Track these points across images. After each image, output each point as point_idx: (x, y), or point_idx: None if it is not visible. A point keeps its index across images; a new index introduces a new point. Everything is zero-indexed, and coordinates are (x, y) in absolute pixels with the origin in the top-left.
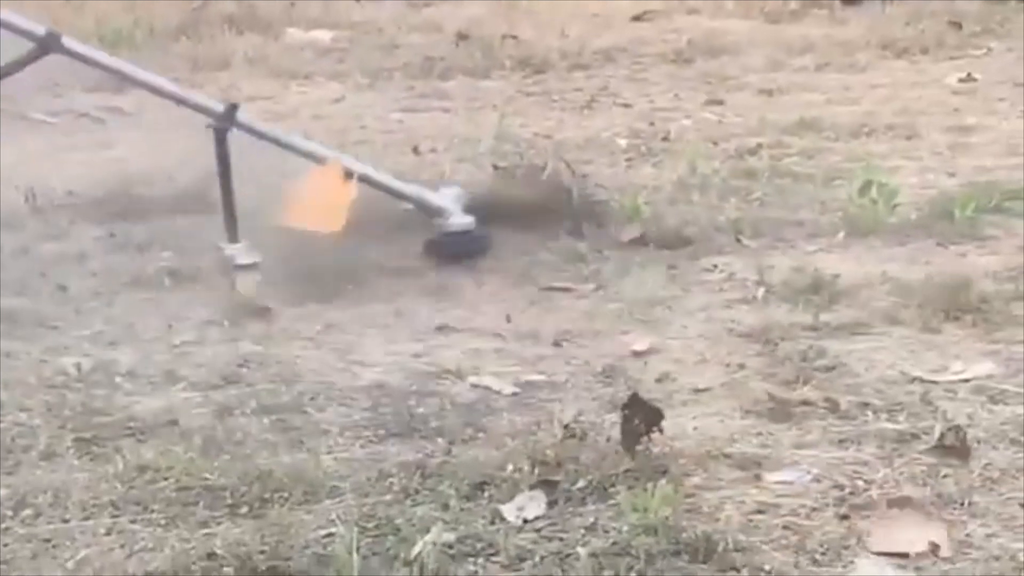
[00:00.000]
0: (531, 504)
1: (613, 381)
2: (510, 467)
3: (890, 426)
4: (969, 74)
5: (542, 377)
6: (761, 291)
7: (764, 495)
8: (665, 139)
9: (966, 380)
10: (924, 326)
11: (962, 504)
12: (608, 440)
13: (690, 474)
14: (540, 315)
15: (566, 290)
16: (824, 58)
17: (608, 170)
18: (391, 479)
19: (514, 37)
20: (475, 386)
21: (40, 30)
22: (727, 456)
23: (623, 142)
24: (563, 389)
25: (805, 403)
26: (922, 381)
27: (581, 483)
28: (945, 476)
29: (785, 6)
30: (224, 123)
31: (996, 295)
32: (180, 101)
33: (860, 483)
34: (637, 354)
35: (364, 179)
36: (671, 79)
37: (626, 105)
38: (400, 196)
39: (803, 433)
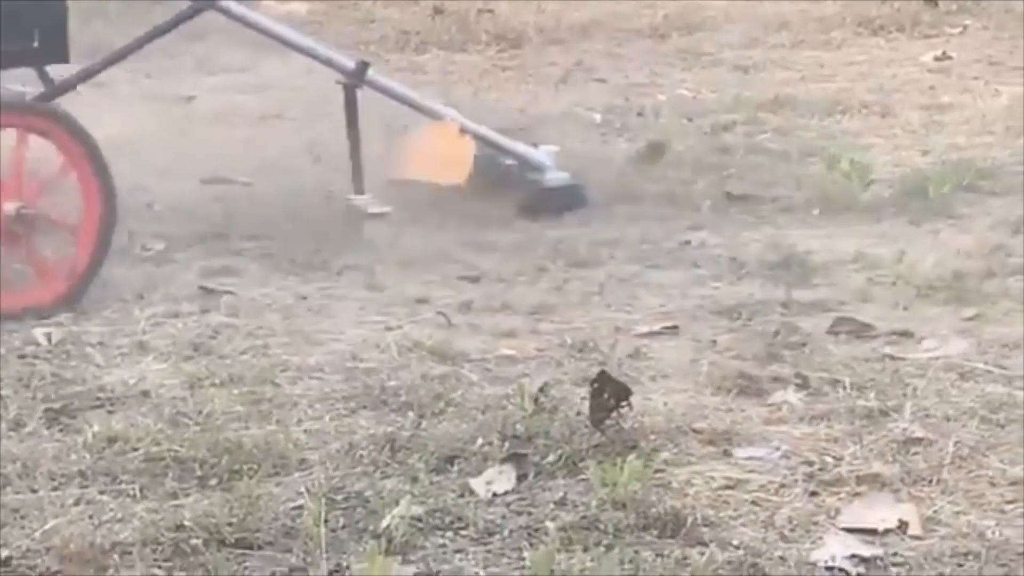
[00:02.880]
0: (500, 478)
1: (585, 356)
2: (480, 441)
3: (860, 403)
4: (944, 52)
5: (514, 351)
6: (734, 268)
7: (733, 471)
8: (640, 115)
9: (937, 358)
10: (896, 304)
11: (931, 481)
12: (578, 414)
13: (660, 449)
14: (513, 288)
15: (541, 266)
16: (800, 35)
17: (582, 145)
18: (360, 452)
19: (490, 11)
20: (446, 359)
21: None
22: (697, 432)
23: (598, 117)
24: (535, 363)
25: (776, 380)
26: (892, 359)
27: (551, 457)
28: (914, 453)
29: None
30: (354, 80)
31: (969, 273)
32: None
33: (829, 460)
34: (609, 329)
35: (475, 135)
36: (647, 55)
37: (601, 80)
38: (504, 152)
39: (773, 409)
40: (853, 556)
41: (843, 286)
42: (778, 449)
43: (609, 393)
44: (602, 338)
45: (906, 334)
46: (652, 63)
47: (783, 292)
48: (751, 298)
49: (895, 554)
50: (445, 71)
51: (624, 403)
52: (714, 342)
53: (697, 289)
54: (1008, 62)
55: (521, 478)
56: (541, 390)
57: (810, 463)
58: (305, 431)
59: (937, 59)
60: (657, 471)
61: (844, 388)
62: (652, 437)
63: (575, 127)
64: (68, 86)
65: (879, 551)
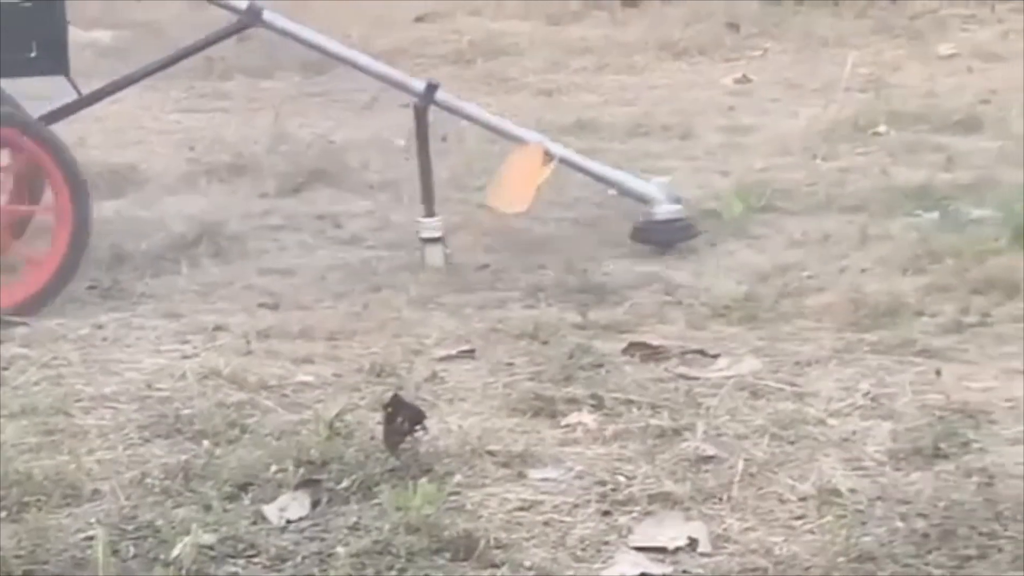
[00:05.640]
0: (294, 504)
1: (382, 381)
2: (274, 467)
3: (654, 423)
4: (744, 75)
5: (310, 377)
6: (531, 290)
7: (527, 492)
8: (444, 140)
9: (729, 377)
10: (690, 324)
11: (721, 499)
12: (373, 439)
13: (454, 472)
14: (313, 314)
15: (340, 292)
16: (603, 59)
17: (384, 169)
18: (153, 481)
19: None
20: (243, 386)
21: (242, 4)
22: (491, 454)
23: (402, 142)
24: (332, 388)
25: (571, 401)
26: (686, 378)
27: (345, 482)
28: (705, 471)
29: (566, 7)
30: (424, 101)
31: (764, 293)
32: (382, 78)
33: (622, 479)
34: (406, 352)
35: (565, 162)
36: (452, 80)
37: (406, 106)
38: (605, 181)
39: (568, 431)
40: (643, 574)
41: (639, 307)
42: (572, 470)
43: (403, 417)
44: (399, 362)
45: (700, 354)
46: (457, 88)
47: (579, 314)
48: (548, 320)
49: (684, 572)
50: (250, 97)
51: (418, 427)
52: (511, 364)
53: (495, 312)
54: (807, 84)
55: (315, 504)
56: (336, 416)
57: (603, 483)
58: (97, 461)
59: (737, 82)
60: (451, 494)
61: (638, 408)
62: (447, 460)
63: (379, 152)
64: (98, 97)
65: (668, 569)
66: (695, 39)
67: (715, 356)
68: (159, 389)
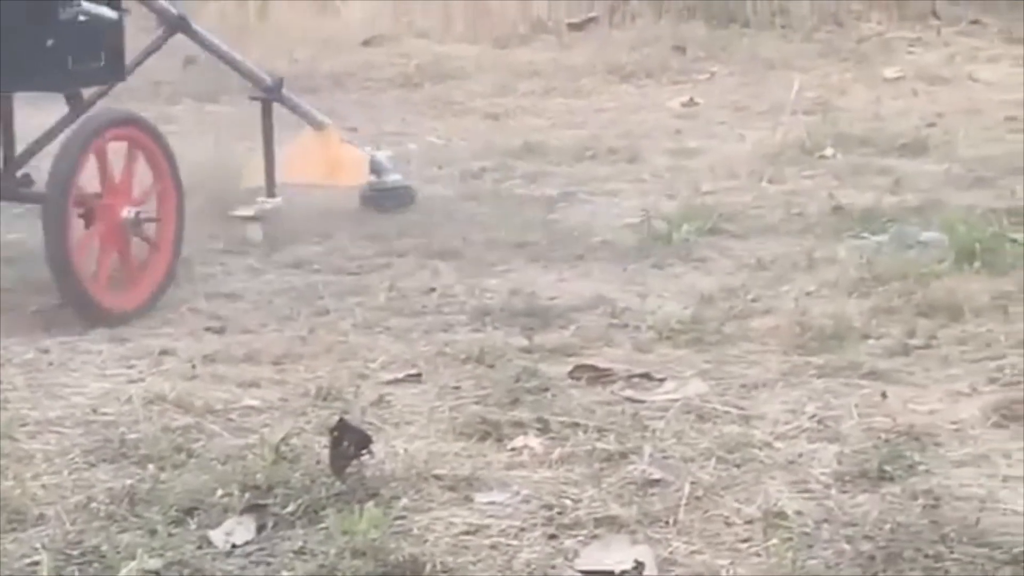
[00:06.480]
0: (240, 529)
1: (328, 404)
2: (220, 492)
3: (600, 446)
4: (691, 98)
5: (256, 401)
6: (478, 314)
7: (473, 516)
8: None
9: (676, 400)
10: (636, 347)
11: (667, 522)
12: (319, 463)
13: (400, 496)
14: (259, 338)
15: (287, 316)
16: (550, 83)
17: (330, 192)
18: (98, 506)
19: None
20: (189, 410)
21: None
22: (438, 478)
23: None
24: (278, 412)
25: (517, 424)
26: (632, 401)
27: (291, 507)
28: (652, 495)
29: (513, 31)
30: (272, 96)
31: (710, 316)
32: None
33: (568, 503)
34: (352, 376)
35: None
36: (399, 104)
37: (353, 129)
38: None
39: (515, 454)
40: None
41: (585, 331)
42: (518, 494)
43: (349, 441)
44: (345, 386)
45: (646, 377)
46: (404, 112)
47: (526, 337)
48: (494, 344)
49: None
50: (197, 121)
51: (364, 451)
52: (457, 388)
53: (442, 335)
54: (753, 107)
55: (261, 529)
56: (282, 440)
57: (549, 507)
58: (43, 486)
59: (684, 105)
60: (397, 518)
61: (584, 432)
62: (393, 484)
63: None
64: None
65: None
66: (642, 62)
67: (661, 379)
68: (105, 413)
